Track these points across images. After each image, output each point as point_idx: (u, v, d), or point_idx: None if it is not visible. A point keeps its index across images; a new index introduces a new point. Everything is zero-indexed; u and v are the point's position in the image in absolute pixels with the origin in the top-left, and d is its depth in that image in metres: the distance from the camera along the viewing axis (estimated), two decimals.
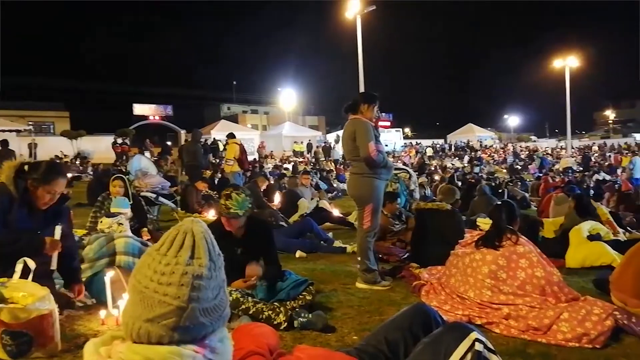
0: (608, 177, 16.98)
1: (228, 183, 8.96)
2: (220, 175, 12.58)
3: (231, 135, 10.36)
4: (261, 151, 27.38)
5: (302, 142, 30.53)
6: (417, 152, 30.39)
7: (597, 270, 4.50)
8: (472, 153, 30.07)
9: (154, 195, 6.53)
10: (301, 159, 26.21)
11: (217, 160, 17.46)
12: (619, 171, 18.84)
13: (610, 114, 61.24)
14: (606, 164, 22.55)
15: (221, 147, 22.10)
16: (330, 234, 6.17)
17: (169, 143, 26.37)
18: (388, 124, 41.30)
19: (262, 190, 7.99)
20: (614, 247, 4.92)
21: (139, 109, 36.41)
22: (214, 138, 26.81)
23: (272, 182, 10.28)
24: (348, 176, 4.51)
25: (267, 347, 1.58)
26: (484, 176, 17.61)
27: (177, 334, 1.00)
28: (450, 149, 34.77)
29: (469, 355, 1.58)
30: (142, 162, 7.72)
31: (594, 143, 37.59)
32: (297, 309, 3.05)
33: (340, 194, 12.70)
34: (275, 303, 3.09)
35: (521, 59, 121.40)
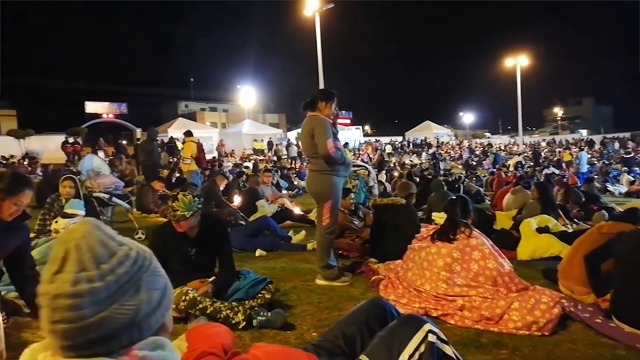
0: (557, 172, 17.82)
1: (185, 182, 8.77)
2: (177, 174, 12.30)
3: (188, 134, 10.14)
4: (220, 149, 26.98)
5: (262, 140, 30.31)
6: (376, 149, 30.78)
7: (547, 261, 4.69)
8: (435, 149, 30.76)
9: (107, 196, 6.29)
10: (262, 157, 26.03)
11: (175, 159, 17.06)
12: (564, 165, 19.76)
13: (558, 112, 64.09)
14: (555, 159, 23.61)
15: (179, 146, 21.61)
16: (290, 232, 6.16)
17: (123, 142, 25.52)
18: (348, 121, 41.61)
19: (221, 189, 7.87)
20: (561, 239, 5.15)
21: (91, 106, 35.00)
22: (171, 136, 26.18)
23: (231, 180, 10.14)
24: (307, 173, 4.51)
25: (221, 347, 1.55)
26: (441, 172, 18.11)
27: (86, 351, 0.89)
28: (408, 146, 35.43)
29: (423, 346, 1.62)
30: (94, 162, 7.41)
31: (543, 139, 39.25)
32: (256, 308, 3.03)
33: (301, 191, 12.70)
34: (234, 302, 3.05)
35: (476, 58, 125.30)
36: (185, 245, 3.19)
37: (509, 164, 21.27)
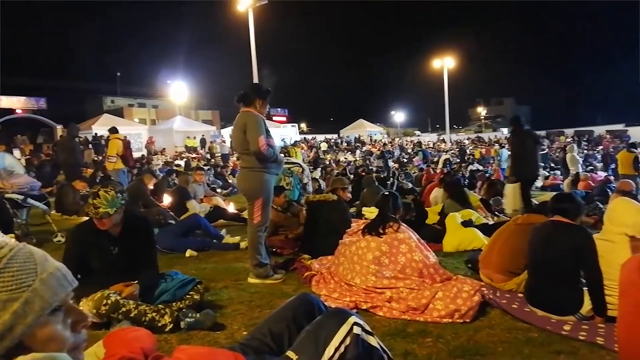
0: (480, 168, 18.92)
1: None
2: (102, 173, 11.66)
3: (113, 130, 9.62)
4: (150, 147, 25.92)
5: (194, 138, 29.46)
6: (311, 147, 30.98)
7: (470, 252, 4.95)
8: (383, 147, 31.41)
9: (21, 197, 5.83)
10: (194, 155, 25.31)
11: (100, 158, 16.16)
12: (492, 161, 21.03)
13: (482, 111, 67.88)
14: (480, 156, 25.03)
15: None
16: (223, 231, 6.04)
17: (42, 139, 23.79)
18: (284, 119, 41.56)
19: (150, 188, 7.55)
20: (483, 230, 5.46)
21: (5, 101, 32.26)
22: (96, 133, 24.79)
23: (160, 179, 9.77)
24: (238, 170, 4.44)
25: (141, 351, 1.48)
26: (374, 169, 18.59)
27: None
28: (342, 144, 36.00)
29: (348, 339, 1.65)
30: (7, 160, 6.84)
31: (468, 137, 41.42)
32: (184, 310, 2.93)
33: (235, 190, 12.50)
34: (160, 305, 2.94)
35: (408, 59, 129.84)
36: (107, 244, 3.02)
37: (438, 161, 22.27)
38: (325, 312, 1.82)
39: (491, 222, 6.29)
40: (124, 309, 2.78)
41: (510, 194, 7.41)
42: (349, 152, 29.48)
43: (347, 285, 3.51)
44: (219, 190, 12.32)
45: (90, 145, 22.18)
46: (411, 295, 3.20)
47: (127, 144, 9.40)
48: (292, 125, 38.31)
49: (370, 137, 39.68)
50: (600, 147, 26.82)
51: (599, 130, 36.21)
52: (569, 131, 36.30)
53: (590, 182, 11.28)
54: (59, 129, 26.98)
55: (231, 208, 7.92)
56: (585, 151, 23.60)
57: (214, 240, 5.54)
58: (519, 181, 7.31)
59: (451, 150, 29.81)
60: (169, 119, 34.12)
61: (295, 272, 4.27)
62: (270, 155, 3.85)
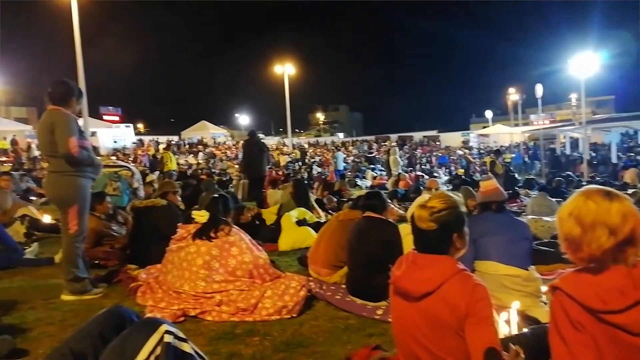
0: (319, 170, 20.03)
1: None
2: None
3: None
4: None
5: (5, 138, 25.30)
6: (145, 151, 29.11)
7: (304, 250, 5.17)
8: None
9: None
10: (4, 158, 21.71)
11: None
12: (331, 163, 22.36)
13: (320, 116, 71.80)
14: (318, 158, 26.43)
15: None
16: (34, 245, 5.29)
17: None
18: (117, 118, 38.19)
19: None
20: (316, 228, 5.77)
21: None
22: None
23: None
24: (46, 175, 3.94)
25: None
26: (216, 171, 18.30)
27: None
28: (184, 146, 34.62)
29: (159, 349, 1.58)
30: None
31: (308, 141, 43.47)
32: None
33: None
34: None
35: (250, 61, 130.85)
36: None
37: (280, 163, 22.88)
38: (132, 324, 1.72)
39: (323, 220, 6.68)
40: None
41: (240, 187, 9.87)
42: (191, 155, 28.46)
43: (176, 293, 3.37)
44: (33, 198, 10.76)
45: None
46: (240, 297, 3.22)
47: None
48: (126, 126, 35.47)
49: (214, 139, 38.92)
50: (419, 150, 30.63)
51: (418, 135, 41.40)
52: (394, 136, 40.62)
53: (408, 181, 12.76)
54: None
55: (47, 218, 6.98)
56: (407, 155, 26.61)
57: (24, 256, 4.82)
58: (248, 179, 9.47)
59: (292, 153, 30.89)
60: None
61: (121, 285, 3.96)
62: (84, 159, 3.50)
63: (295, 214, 6.20)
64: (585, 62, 16.68)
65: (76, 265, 3.65)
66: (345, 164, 21.31)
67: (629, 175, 13.26)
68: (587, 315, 1.42)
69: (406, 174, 14.01)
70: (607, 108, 44.49)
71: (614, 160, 18.89)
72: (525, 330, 2.26)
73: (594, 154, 21.30)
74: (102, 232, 4.87)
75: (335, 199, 9.66)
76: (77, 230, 3.63)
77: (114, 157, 21.78)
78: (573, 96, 29.55)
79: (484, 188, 3.46)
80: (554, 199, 7.29)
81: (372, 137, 41.67)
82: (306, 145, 36.07)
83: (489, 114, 42.09)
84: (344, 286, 3.69)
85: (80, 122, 12.40)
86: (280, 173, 16.18)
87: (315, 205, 7.70)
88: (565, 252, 1.51)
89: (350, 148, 33.69)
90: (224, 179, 14.82)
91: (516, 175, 13.76)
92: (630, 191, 9.34)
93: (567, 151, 23.79)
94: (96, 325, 1.77)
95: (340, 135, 52.15)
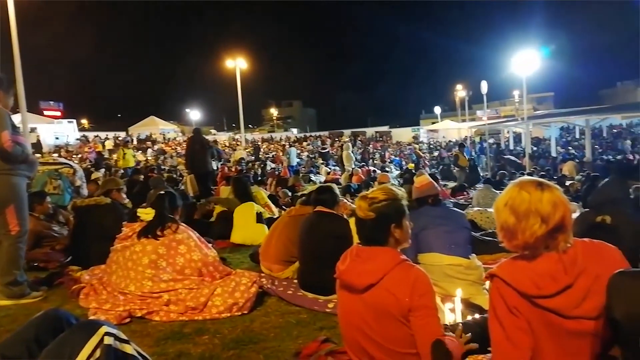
0: (273, 165, 19.93)
1: None
2: None
3: None
4: None
5: None
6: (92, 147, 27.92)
7: (256, 247, 5.13)
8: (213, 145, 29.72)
9: None
10: None
11: None
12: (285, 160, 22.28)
13: (274, 112, 71.39)
14: (272, 154, 26.29)
15: None
16: None
17: None
18: (58, 113, 36.27)
19: None
20: (269, 224, 5.72)
21: None
22: None
23: None
24: None
25: None
26: (166, 168, 17.81)
27: None
28: (132, 142, 33.44)
29: (98, 351, 1.52)
30: None
31: (262, 137, 43.10)
32: None
33: None
34: None
35: (201, 56, 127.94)
36: None
37: (232, 159, 22.56)
38: (70, 327, 1.64)
39: (276, 216, 6.65)
40: None
41: (188, 182, 9.96)
42: (139, 152, 27.53)
43: (121, 294, 3.25)
44: None
45: None
46: (190, 296, 3.15)
47: None
48: (69, 121, 33.81)
49: (164, 135, 37.83)
50: (371, 146, 31.08)
51: (370, 131, 41.96)
52: (347, 132, 40.99)
53: (361, 175, 12.93)
54: None
55: None
56: (360, 150, 26.93)
57: None
58: (193, 174, 9.83)
59: (246, 149, 30.53)
60: None
61: (62, 287, 3.78)
62: (18, 154, 3.30)
63: (252, 209, 6.09)
64: (526, 60, 17.47)
65: (18, 267, 3.47)
66: (299, 160, 21.32)
67: (567, 168, 14.11)
68: (523, 300, 1.49)
69: (359, 169, 14.19)
70: (547, 104, 47.03)
71: (554, 153, 19.99)
72: (469, 318, 2.35)
73: (535, 148, 22.46)
74: (42, 233, 4.63)
75: (289, 194, 9.67)
76: (20, 230, 3.45)
77: (55, 154, 20.75)
78: (516, 93, 30.88)
79: (418, 184, 3.58)
80: (498, 191, 7.62)
81: (326, 133, 41.86)
82: (260, 141, 35.80)
83: (437, 109, 43.29)
84: (295, 281, 3.70)
85: (18, 117, 11.75)
86: (233, 169, 15.97)
87: (269, 201, 7.66)
88: (502, 240, 1.58)
89: (304, 144, 33.70)
90: (174, 175, 14.44)
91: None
92: (567, 183, 9.95)
93: (511, 146, 24.94)
94: (31, 329, 1.68)
95: (294, 130, 52.05)
